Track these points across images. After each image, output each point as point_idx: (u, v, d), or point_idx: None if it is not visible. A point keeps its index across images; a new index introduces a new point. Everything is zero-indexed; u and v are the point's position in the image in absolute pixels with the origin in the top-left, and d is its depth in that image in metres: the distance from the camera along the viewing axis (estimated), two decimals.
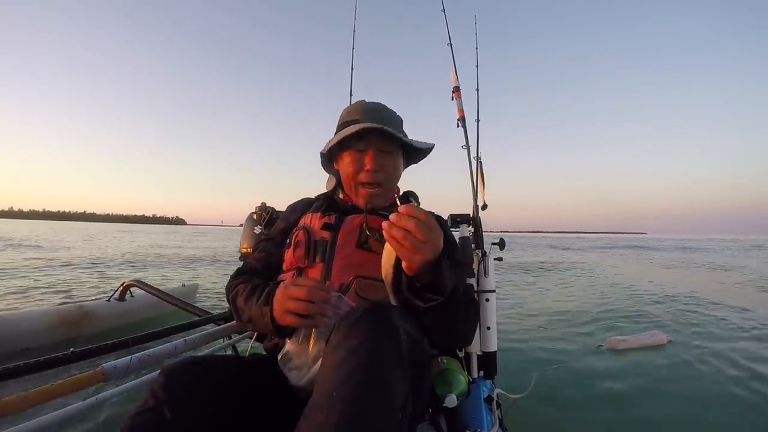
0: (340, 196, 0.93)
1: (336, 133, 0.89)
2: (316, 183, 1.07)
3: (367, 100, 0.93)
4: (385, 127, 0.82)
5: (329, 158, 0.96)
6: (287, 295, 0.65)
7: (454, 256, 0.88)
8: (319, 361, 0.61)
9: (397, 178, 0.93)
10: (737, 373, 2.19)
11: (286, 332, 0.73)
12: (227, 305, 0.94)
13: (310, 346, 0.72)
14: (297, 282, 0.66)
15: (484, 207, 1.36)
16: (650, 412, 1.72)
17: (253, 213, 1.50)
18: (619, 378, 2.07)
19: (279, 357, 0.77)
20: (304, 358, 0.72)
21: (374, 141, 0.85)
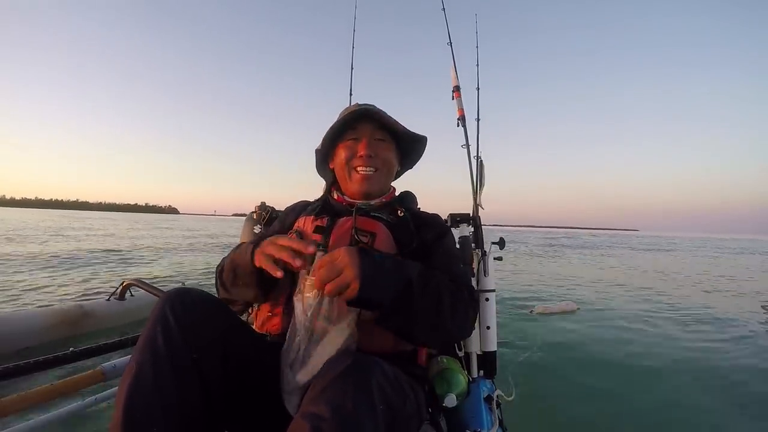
0: (335, 196, 0.93)
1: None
2: (314, 179, 1.06)
3: (370, 102, 0.95)
4: (376, 111, 0.86)
5: (324, 157, 0.96)
6: (271, 241, 0.66)
7: (447, 251, 0.88)
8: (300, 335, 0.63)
9: (392, 169, 0.93)
10: (623, 325, 3.58)
11: (265, 281, 0.71)
12: None
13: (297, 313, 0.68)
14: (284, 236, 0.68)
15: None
16: (573, 355, 2.70)
17: (252, 212, 1.50)
18: (565, 339, 3.06)
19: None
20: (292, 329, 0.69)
21: (367, 129, 0.88)
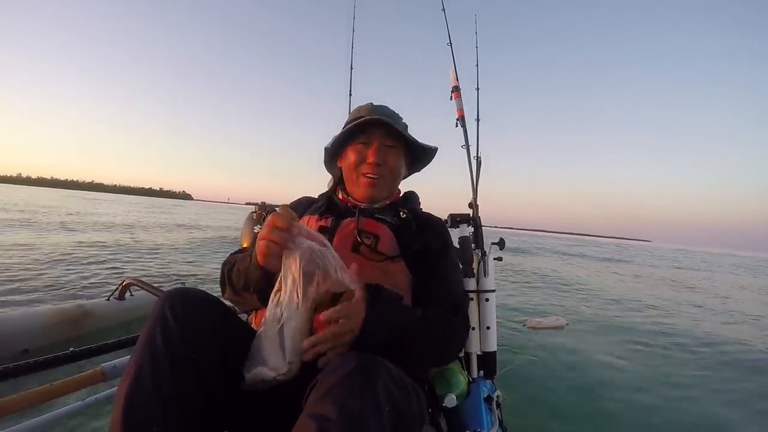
0: (340, 196, 0.93)
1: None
2: (317, 178, 1.06)
3: (374, 103, 0.95)
4: (388, 120, 0.86)
5: (333, 155, 0.96)
6: (260, 237, 0.67)
7: (449, 267, 0.89)
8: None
9: (399, 175, 0.93)
10: (607, 344, 3.45)
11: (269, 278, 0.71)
12: None
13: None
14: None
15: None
16: (558, 366, 2.69)
17: (252, 212, 1.50)
18: (554, 351, 3.05)
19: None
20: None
21: (378, 135, 0.88)
